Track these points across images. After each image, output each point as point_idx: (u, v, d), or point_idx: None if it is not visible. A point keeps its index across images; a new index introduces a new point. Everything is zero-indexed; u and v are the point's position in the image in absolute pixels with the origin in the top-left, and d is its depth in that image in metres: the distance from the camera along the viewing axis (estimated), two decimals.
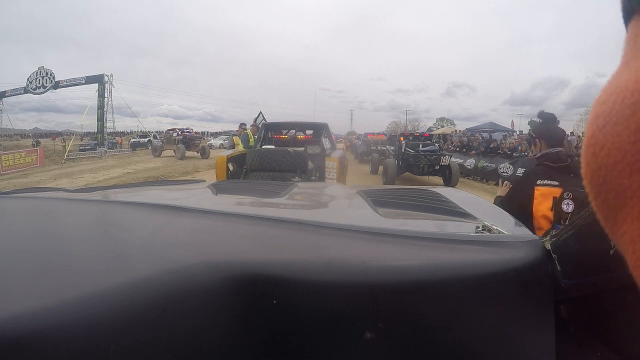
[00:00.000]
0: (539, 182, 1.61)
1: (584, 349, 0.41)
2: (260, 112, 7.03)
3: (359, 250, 0.45)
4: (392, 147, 10.37)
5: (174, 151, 16.66)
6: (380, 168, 10.06)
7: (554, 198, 1.56)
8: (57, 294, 0.31)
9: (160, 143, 19.04)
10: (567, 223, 0.40)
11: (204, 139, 21.11)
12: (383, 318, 0.37)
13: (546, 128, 1.76)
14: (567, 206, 1.53)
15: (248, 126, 6.80)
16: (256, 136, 5.95)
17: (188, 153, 16.41)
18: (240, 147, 6.14)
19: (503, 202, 1.76)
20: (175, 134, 17.92)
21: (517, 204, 1.63)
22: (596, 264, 0.36)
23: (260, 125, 6.12)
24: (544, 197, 1.59)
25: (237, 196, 1.13)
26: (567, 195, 1.53)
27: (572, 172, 1.60)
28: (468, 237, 0.49)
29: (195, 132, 22.17)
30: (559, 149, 1.67)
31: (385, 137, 16.82)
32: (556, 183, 1.58)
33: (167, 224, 0.58)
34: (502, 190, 1.90)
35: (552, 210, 1.57)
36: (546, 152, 1.68)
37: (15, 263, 0.40)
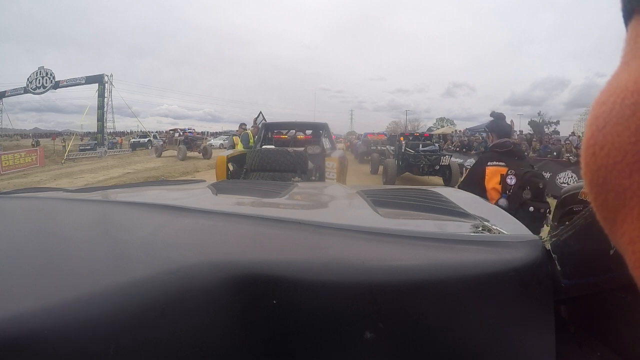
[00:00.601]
0: (489, 163, 2.17)
1: (584, 349, 0.41)
2: (260, 112, 7.01)
3: (359, 250, 0.45)
4: (392, 147, 10.38)
5: (177, 152, 16.56)
6: (380, 168, 10.07)
7: (501, 175, 2.10)
8: (57, 294, 0.31)
9: (161, 143, 18.88)
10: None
11: (205, 139, 20.79)
12: (383, 318, 0.37)
13: (496, 124, 2.36)
14: (511, 180, 2.05)
15: (248, 126, 6.79)
16: (256, 137, 5.94)
17: (189, 153, 16.28)
18: (239, 147, 6.12)
19: (464, 181, 2.35)
20: (177, 134, 17.73)
21: (474, 181, 2.19)
22: (596, 264, 0.36)
23: (260, 126, 6.11)
24: (493, 174, 2.14)
25: (237, 196, 1.12)
26: (511, 172, 2.06)
27: (516, 156, 2.20)
28: (468, 237, 0.49)
29: (198, 133, 22.08)
30: (506, 139, 2.25)
31: (385, 137, 16.82)
32: (503, 164, 2.13)
33: (167, 224, 0.58)
34: (465, 176, 2.45)
35: (500, 183, 2.09)
36: (496, 142, 2.26)
37: (15, 263, 0.40)
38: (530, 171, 2.14)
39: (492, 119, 2.43)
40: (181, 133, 17.87)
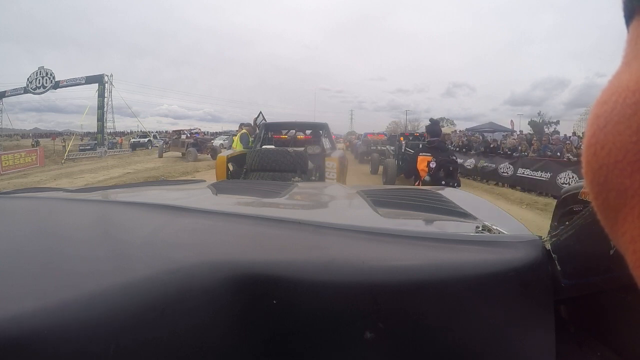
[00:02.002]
0: (420, 154, 3.95)
1: (584, 349, 0.41)
2: (260, 112, 7.01)
3: (359, 250, 0.45)
4: (392, 147, 10.39)
5: (183, 154, 15.88)
6: (380, 168, 10.07)
7: (427, 161, 3.78)
8: (57, 294, 0.31)
9: (162, 143, 18.29)
10: (566, 225, 0.40)
11: (213, 140, 19.51)
12: (383, 318, 0.37)
13: (431, 127, 4.16)
14: (432, 164, 3.74)
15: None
16: (253, 137, 5.92)
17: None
18: (234, 146, 6.05)
19: (407, 165, 4.51)
20: (184, 136, 17.01)
21: (411, 165, 4.05)
22: (596, 264, 0.36)
23: (260, 125, 6.10)
24: (422, 161, 3.84)
25: (237, 196, 1.13)
26: (433, 159, 3.78)
27: (439, 149, 3.93)
28: (468, 237, 0.49)
29: (205, 134, 21.32)
30: (435, 138, 4.04)
31: (385, 137, 16.79)
32: (429, 154, 3.88)
33: (167, 224, 0.58)
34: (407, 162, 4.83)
35: (426, 167, 3.74)
36: (429, 140, 4.09)
37: (16, 263, 0.40)
38: (445, 159, 3.88)
39: (431, 121, 4.39)
40: (188, 135, 17.17)
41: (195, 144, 16.08)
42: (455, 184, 3.67)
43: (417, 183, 4.14)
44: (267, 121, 6.44)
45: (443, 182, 3.66)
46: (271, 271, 0.38)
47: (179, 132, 18.23)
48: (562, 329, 0.40)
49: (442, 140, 4.29)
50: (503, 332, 0.38)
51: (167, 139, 18.54)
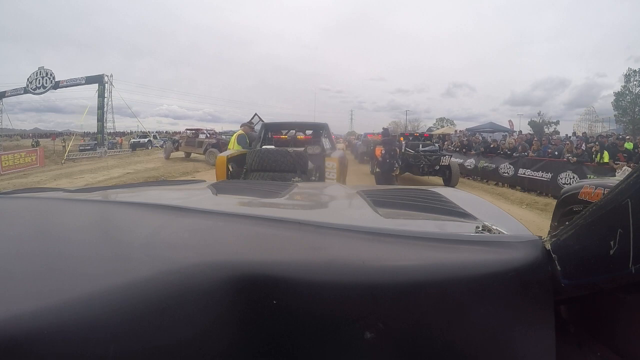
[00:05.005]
0: (377, 146, 9.73)
1: (584, 349, 0.41)
2: (256, 114, 7.98)
3: (359, 251, 0.45)
4: None
5: (187, 154, 15.22)
6: None
7: (380, 150, 8.65)
8: (57, 294, 0.31)
9: (170, 144, 17.12)
10: (565, 224, 0.40)
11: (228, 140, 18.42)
12: (383, 318, 0.37)
13: (384, 132, 9.28)
14: (382, 152, 8.42)
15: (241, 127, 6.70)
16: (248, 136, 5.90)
17: (199, 155, 15.14)
18: (230, 147, 6.03)
19: (371, 155, 12.12)
20: (204, 136, 15.98)
21: (372, 153, 10.62)
22: (596, 264, 0.36)
23: (260, 126, 6.12)
24: (378, 150, 9.15)
25: (237, 196, 1.12)
26: (383, 149, 8.39)
27: (387, 143, 8.40)
28: (468, 237, 0.49)
29: (219, 134, 20.58)
30: (386, 137, 8.66)
31: None
32: (381, 146, 8.66)
33: (167, 224, 0.58)
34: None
35: (380, 153, 8.63)
36: (382, 138, 8.90)
37: (15, 263, 0.40)
38: (390, 149, 8.18)
39: (384, 129, 9.60)
40: (208, 135, 16.12)
41: (216, 145, 14.80)
42: (395, 162, 8.38)
43: (375, 163, 8.43)
44: (265, 121, 6.45)
45: (388, 160, 8.03)
46: (271, 271, 0.38)
47: (196, 131, 16.92)
48: (562, 329, 0.40)
49: (390, 139, 8.49)
50: (503, 332, 0.38)
51: (179, 139, 17.23)
